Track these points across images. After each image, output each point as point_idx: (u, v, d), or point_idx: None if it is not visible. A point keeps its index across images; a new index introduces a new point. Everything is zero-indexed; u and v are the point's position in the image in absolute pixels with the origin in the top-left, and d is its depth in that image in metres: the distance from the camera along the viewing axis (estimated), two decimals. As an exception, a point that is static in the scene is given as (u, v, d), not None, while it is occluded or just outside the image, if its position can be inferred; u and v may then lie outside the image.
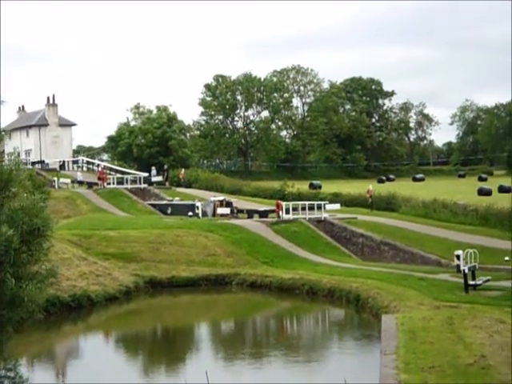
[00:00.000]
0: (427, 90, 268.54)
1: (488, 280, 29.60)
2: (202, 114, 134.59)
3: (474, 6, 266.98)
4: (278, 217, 48.05)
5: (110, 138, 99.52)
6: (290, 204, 49.59)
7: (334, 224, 47.81)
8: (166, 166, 75.00)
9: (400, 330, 21.13)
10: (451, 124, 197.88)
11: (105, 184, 62.32)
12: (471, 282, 28.60)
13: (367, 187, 59.56)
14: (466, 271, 28.44)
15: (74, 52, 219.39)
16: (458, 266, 30.59)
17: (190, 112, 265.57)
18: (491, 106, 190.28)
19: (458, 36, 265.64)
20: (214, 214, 52.17)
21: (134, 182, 64.70)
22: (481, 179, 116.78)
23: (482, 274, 30.69)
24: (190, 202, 55.02)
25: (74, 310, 31.79)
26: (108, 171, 71.78)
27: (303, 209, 48.98)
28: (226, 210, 52.01)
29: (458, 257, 30.72)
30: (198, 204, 52.03)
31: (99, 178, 63.37)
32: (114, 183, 63.13)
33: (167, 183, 70.24)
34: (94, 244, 40.43)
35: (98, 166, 76.80)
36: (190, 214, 50.51)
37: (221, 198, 55.85)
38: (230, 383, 20.99)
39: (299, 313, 34.55)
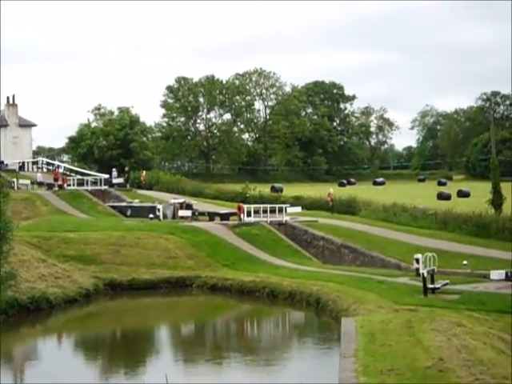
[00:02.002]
0: (388, 95, 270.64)
1: (446, 284, 29.90)
2: (164, 115, 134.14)
3: (433, 12, 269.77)
4: (240, 220, 48.03)
5: (71, 139, 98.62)
6: (252, 207, 49.59)
7: (294, 227, 47.92)
8: (127, 168, 74.60)
9: (359, 332, 21.25)
10: (411, 129, 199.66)
11: (65, 185, 61.79)
12: (430, 286, 28.87)
13: (328, 190, 59.79)
14: (425, 275, 28.70)
15: (35, 51, 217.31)
16: (417, 269, 30.81)
17: (151, 114, 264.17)
18: (451, 111, 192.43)
19: (418, 41, 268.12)
20: (174, 216, 51.98)
21: (94, 183, 64.18)
22: (440, 184, 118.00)
23: (440, 277, 30.98)
24: (150, 204, 54.76)
25: (33, 313, 31.46)
26: (68, 172, 71.20)
27: (264, 212, 49.02)
28: (187, 213, 51.83)
29: (417, 260, 30.94)
30: (159, 206, 51.79)
31: (55, 179, 62.90)
32: (74, 185, 62.62)
33: (128, 185, 69.81)
34: (54, 246, 40.05)
35: (58, 166, 76.04)
36: (151, 216, 50.26)
37: (181, 200, 55.67)
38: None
39: (260, 315, 34.56)
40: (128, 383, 21.80)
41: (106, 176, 67.65)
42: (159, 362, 24.66)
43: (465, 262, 37.42)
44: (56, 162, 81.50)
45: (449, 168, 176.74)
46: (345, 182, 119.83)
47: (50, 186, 62.92)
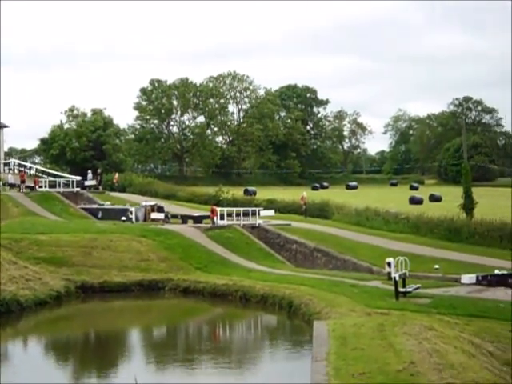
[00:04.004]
0: (361, 100, 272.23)
1: (418, 287, 30.06)
2: (137, 118, 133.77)
3: (405, 19, 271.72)
4: (213, 223, 47.96)
5: (43, 141, 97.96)
6: (225, 210, 49.56)
7: (268, 230, 47.96)
8: (99, 170, 74.25)
9: (331, 336, 21.29)
10: (384, 133, 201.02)
11: (36, 187, 61.39)
12: (402, 290, 28.99)
13: (301, 194, 59.96)
14: (397, 278, 28.83)
15: (7, 53, 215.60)
16: (389, 273, 30.98)
17: (125, 116, 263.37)
18: (423, 116, 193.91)
19: (391, 47, 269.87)
20: (146, 218, 51.83)
21: (66, 185, 63.81)
22: (412, 188, 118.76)
23: (412, 281, 31.14)
24: (122, 207, 54.56)
25: (3, 315, 31.14)
26: (40, 174, 70.72)
27: (238, 215, 49.02)
28: (160, 215, 51.71)
29: (389, 264, 31.09)
30: (132, 209, 51.60)
31: (22, 181, 62.47)
32: (46, 186, 62.20)
33: (101, 187, 69.50)
34: (25, 248, 39.73)
35: (30, 168, 75.50)
36: (124, 218, 50.06)
37: (152, 202, 55.53)
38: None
39: (232, 319, 34.53)
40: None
41: (79, 178, 67.30)
42: (130, 364, 24.53)
43: (436, 266, 37.68)
44: (28, 164, 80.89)
45: (421, 172, 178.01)
46: (318, 185, 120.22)
47: (21, 188, 62.48)
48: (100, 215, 54.34)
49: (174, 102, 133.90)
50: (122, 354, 26.95)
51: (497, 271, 33.71)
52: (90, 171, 72.19)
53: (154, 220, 51.06)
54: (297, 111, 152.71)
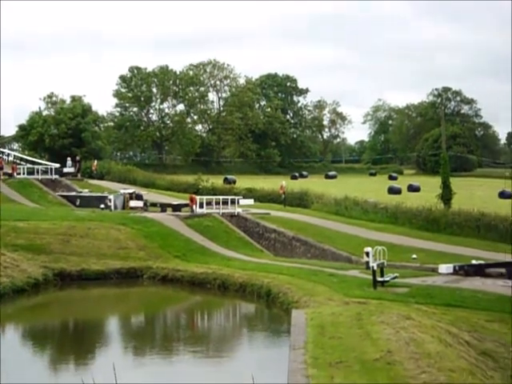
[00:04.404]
0: (341, 89, 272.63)
1: (396, 277, 30.22)
2: (117, 105, 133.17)
3: (385, 9, 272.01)
4: (192, 211, 47.94)
5: (21, 128, 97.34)
6: (204, 198, 49.52)
7: (247, 219, 48.01)
8: (78, 158, 73.94)
9: (309, 325, 21.35)
10: (364, 123, 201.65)
11: (15, 173, 61.05)
12: (379, 279, 29.13)
13: (280, 183, 60.03)
14: (375, 268, 28.96)
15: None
16: (368, 262, 31.08)
17: (104, 103, 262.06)
18: (402, 106, 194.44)
19: (371, 37, 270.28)
20: (124, 206, 51.68)
21: (45, 172, 63.48)
22: (391, 178, 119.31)
23: (390, 270, 31.29)
24: (101, 194, 54.37)
25: (-20, 303, 30.95)
26: (18, 161, 70.36)
27: (217, 203, 49.01)
28: (138, 203, 51.58)
29: (367, 254, 31.20)
30: (111, 197, 51.43)
31: (0, 168, 62.06)
32: (24, 173, 61.85)
33: (79, 175, 69.23)
34: (3, 235, 39.45)
35: (9, 155, 75.04)
36: (102, 206, 49.89)
37: (131, 190, 55.37)
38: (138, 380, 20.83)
39: (210, 307, 34.55)
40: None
41: (57, 165, 66.99)
42: (108, 352, 24.49)
43: (414, 256, 37.89)
44: (6, 151, 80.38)
45: (400, 162, 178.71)
46: (297, 174, 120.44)
47: (-1, 174, 62.09)
48: (78, 203, 54.15)
49: (154, 90, 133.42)
50: (99, 342, 26.90)
51: (474, 261, 33.95)
52: (68, 158, 71.89)
53: (132, 208, 50.91)
54: (277, 100, 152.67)
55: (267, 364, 22.07)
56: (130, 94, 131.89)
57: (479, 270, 32.88)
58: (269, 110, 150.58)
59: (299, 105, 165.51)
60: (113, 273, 38.09)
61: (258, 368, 20.02)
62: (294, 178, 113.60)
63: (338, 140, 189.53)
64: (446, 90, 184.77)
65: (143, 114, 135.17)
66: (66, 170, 67.96)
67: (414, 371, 15.82)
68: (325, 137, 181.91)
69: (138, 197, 53.36)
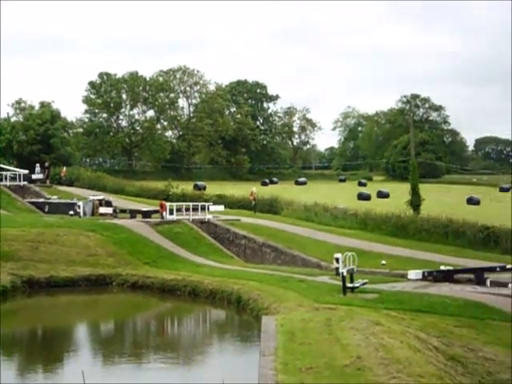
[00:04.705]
0: (311, 96, 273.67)
1: (365, 283, 30.33)
2: (86, 111, 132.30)
3: (357, 15, 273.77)
4: (162, 217, 47.83)
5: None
6: (174, 205, 49.44)
7: (217, 225, 47.99)
8: (47, 164, 73.43)
9: (279, 331, 21.38)
10: (333, 129, 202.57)
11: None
12: (349, 285, 29.23)
13: (251, 189, 60.09)
14: (345, 274, 29.06)
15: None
16: (337, 268, 31.22)
17: (73, 109, 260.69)
18: (372, 112, 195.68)
19: (341, 44, 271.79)
20: (94, 213, 51.43)
21: (13, 179, 62.97)
22: (360, 184, 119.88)
23: (359, 276, 31.41)
24: (70, 201, 54.07)
25: None
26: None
27: (187, 210, 48.95)
28: (108, 210, 51.36)
29: (337, 260, 31.36)
30: (80, 203, 51.16)
31: None
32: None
33: (48, 181, 68.74)
34: (-30, 242, 39.10)
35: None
36: (71, 212, 49.61)
37: (100, 197, 55.14)
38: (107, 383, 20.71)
39: (180, 314, 34.47)
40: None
41: (26, 171, 66.50)
42: (77, 359, 24.32)
43: (383, 262, 38.10)
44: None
45: (369, 169, 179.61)
46: (267, 181, 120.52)
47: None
48: (47, 209, 53.78)
49: (124, 96, 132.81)
50: (68, 349, 26.69)
51: (442, 267, 34.22)
52: (37, 165, 71.38)
53: (102, 214, 50.68)
54: (247, 106, 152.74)
55: (237, 370, 22.05)
56: (99, 100, 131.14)
57: (448, 276, 33.15)
58: (239, 116, 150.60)
59: (269, 111, 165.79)
60: (82, 280, 37.85)
61: (228, 374, 19.97)
62: (264, 184, 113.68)
63: (308, 146, 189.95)
64: (415, 96, 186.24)
65: (113, 120, 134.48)
66: (34, 176, 67.49)
67: (383, 377, 15.91)
68: (295, 143, 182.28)
69: (108, 203, 53.14)
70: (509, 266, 31.89)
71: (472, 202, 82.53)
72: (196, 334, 30.44)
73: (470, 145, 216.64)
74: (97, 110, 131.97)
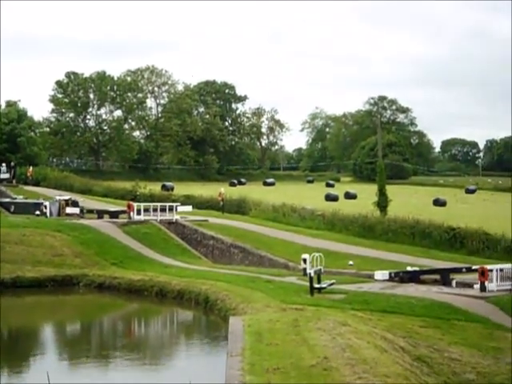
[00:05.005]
0: (279, 97, 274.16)
1: (332, 283, 30.43)
2: (53, 111, 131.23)
3: (325, 17, 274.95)
4: (129, 218, 47.61)
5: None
6: (142, 205, 49.24)
7: (185, 226, 47.87)
8: (13, 163, 72.74)
9: (247, 331, 21.38)
10: (301, 130, 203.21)
11: None
12: (316, 285, 29.30)
13: (219, 190, 60.04)
14: (312, 274, 29.14)
15: None
16: (305, 269, 31.30)
17: (40, 108, 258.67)
18: (339, 114, 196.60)
19: (310, 45, 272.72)
20: (60, 213, 51.03)
21: (-23, 179, 62.35)
22: (328, 185, 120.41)
23: (327, 277, 31.50)
24: (36, 201, 53.64)
25: None
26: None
27: (155, 210, 48.76)
28: (74, 210, 51.00)
29: (304, 260, 31.42)
30: (46, 203, 50.77)
31: None
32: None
33: (14, 181, 68.11)
34: None
35: None
36: (38, 212, 49.21)
37: (66, 197, 54.73)
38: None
39: (147, 315, 34.33)
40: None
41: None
42: (43, 361, 24.12)
43: (350, 263, 38.26)
44: None
45: (337, 170, 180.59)
46: (235, 181, 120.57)
47: None
48: (13, 209, 53.25)
49: (91, 96, 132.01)
50: (34, 351, 26.46)
51: (409, 268, 34.45)
52: (3, 164, 70.67)
53: (68, 215, 50.31)
54: (215, 107, 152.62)
55: (204, 371, 22.02)
56: (66, 100, 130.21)
57: (414, 277, 33.39)
58: (207, 116, 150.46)
59: (238, 112, 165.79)
60: (48, 280, 37.54)
61: (195, 375, 19.94)
62: (232, 184, 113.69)
63: (276, 147, 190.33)
64: (382, 98, 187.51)
65: (80, 119, 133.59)
66: (0, 176, 66.79)
67: (350, 377, 15.98)
68: (263, 144, 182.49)
69: (74, 203, 52.75)
70: (474, 267, 32.14)
71: (438, 203, 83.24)
72: (163, 335, 30.34)
73: (437, 146, 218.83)
74: (64, 110, 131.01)
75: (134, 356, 24.92)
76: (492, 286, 29.60)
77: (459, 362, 20.47)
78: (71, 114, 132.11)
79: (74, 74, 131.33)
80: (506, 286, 30.06)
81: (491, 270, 29.81)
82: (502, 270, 30.49)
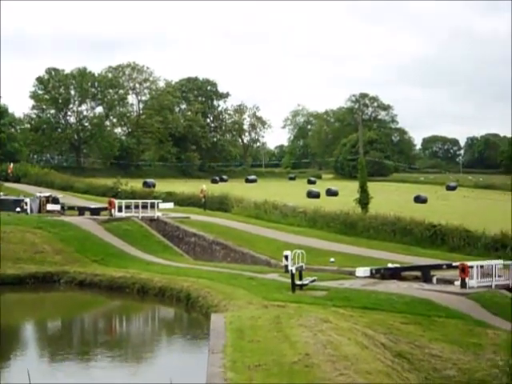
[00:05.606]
0: (261, 94, 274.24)
1: (314, 280, 30.49)
2: (34, 107, 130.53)
3: (305, 15, 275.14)
4: (111, 215, 47.47)
5: None
6: (123, 202, 49.09)
7: (166, 223, 47.78)
8: (-7, 160, 72.43)
9: (228, 328, 21.38)
10: (283, 127, 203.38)
11: None
12: (298, 282, 29.33)
13: (201, 187, 59.98)
14: (294, 271, 29.17)
15: None
16: (286, 266, 31.33)
17: (20, 105, 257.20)
18: (321, 111, 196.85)
19: (292, 42, 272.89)
20: (41, 210, 50.80)
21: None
22: (310, 182, 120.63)
23: (308, 274, 31.56)
24: (16, 198, 53.34)
25: None
26: None
27: (136, 207, 48.62)
28: (55, 207, 50.76)
29: (286, 257, 31.46)
30: (27, 200, 50.50)
31: None
32: None
33: (-6, 178, 67.79)
34: None
35: None
36: (18, 209, 48.94)
37: (47, 194, 54.48)
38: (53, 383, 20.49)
39: (129, 312, 34.24)
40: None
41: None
42: (23, 359, 24.01)
43: (332, 259, 38.34)
44: None
45: (318, 167, 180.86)
46: (217, 178, 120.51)
47: None
48: (-8, 206, 52.88)
49: (72, 92, 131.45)
50: (14, 348, 26.31)
51: (390, 264, 34.58)
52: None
53: (49, 211, 50.08)
54: (197, 104, 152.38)
55: (186, 368, 22.01)
56: (47, 96, 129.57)
57: (395, 274, 33.50)
58: (189, 113, 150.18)
59: (219, 109, 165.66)
60: (29, 277, 37.34)
61: (176, 372, 19.91)
62: (214, 181, 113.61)
63: (258, 144, 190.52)
64: (364, 95, 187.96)
65: (61, 116, 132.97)
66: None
67: (331, 373, 16.01)
68: (245, 141, 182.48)
69: (55, 200, 52.50)
70: (455, 264, 32.32)
71: (419, 200, 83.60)
72: (145, 332, 30.28)
73: (418, 144, 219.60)
74: (44, 106, 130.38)
75: (115, 353, 24.86)
76: (472, 282, 29.80)
77: (440, 358, 20.58)
78: (52, 111, 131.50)
79: (55, 70, 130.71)
80: (486, 283, 30.29)
81: (472, 267, 30.01)
82: (482, 266, 30.72)
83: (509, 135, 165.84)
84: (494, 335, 23.29)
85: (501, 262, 32.07)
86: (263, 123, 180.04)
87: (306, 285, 29.67)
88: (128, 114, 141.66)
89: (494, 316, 26.33)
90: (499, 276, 31.01)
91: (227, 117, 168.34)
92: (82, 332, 30.63)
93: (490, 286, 30.22)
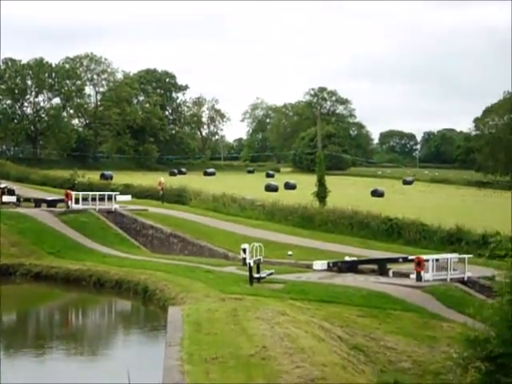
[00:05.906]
0: (220, 87, 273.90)
1: (272, 273, 30.61)
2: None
3: (269, 8, 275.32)
4: (67, 207, 47.04)
5: None
6: (80, 194, 48.69)
7: (124, 215, 47.51)
8: None
9: (185, 321, 21.37)
10: (242, 121, 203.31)
11: None
12: (256, 275, 29.42)
13: (159, 180, 59.74)
14: (251, 264, 29.24)
15: None
16: (244, 259, 31.39)
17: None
18: (280, 105, 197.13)
19: (252, 35, 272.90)
20: (-4, 201, 50.09)
21: None
22: (268, 176, 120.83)
23: (266, 267, 31.66)
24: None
25: None
26: None
27: (93, 199, 48.23)
28: (11, 198, 50.14)
29: (244, 250, 31.52)
30: (-18, 191, 49.82)
31: None
32: None
33: None
34: None
35: None
36: (-27, 201, 48.28)
37: (2, 185, 53.78)
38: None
39: (85, 305, 34.03)
40: None
41: None
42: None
43: (290, 253, 38.48)
44: None
45: (277, 160, 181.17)
46: (176, 171, 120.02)
47: None
48: None
49: (29, 82, 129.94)
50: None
51: (347, 258, 34.80)
52: None
53: (4, 203, 49.43)
54: (155, 96, 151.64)
55: (143, 361, 21.95)
56: (3, 86, 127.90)
57: (352, 267, 33.74)
58: (147, 105, 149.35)
59: (178, 101, 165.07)
60: (-17, 270, 36.89)
61: (133, 365, 19.86)
62: (172, 174, 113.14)
63: (217, 137, 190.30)
64: (322, 89, 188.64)
65: (17, 106, 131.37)
66: None
67: (288, 366, 16.11)
68: (204, 134, 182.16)
69: (10, 192, 51.84)
70: (411, 257, 32.67)
71: (376, 194, 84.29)
72: (101, 325, 30.12)
73: (375, 138, 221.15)
74: (1, 97, 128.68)
75: (71, 346, 24.70)
76: (428, 275, 30.18)
77: (395, 350, 20.82)
78: (8, 101, 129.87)
79: (12, 60, 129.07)
80: (441, 276, 30.68)
81: (427, 260, 30.39)
82: (437, 260, 31.11)
83: (465, 130, 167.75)
84: (448, 328, 23.62)
85: (456, 255, 32.51)
86: (222, 116, 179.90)
87: (263, 278, 29.77)
88: (85, 106, 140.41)
89: (449, 309, 26.72)
90: (454, 269, 31.44)
91: (186, 109, 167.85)
92: (37, 325, 30.37)
93: (445, 280, 30.63)
